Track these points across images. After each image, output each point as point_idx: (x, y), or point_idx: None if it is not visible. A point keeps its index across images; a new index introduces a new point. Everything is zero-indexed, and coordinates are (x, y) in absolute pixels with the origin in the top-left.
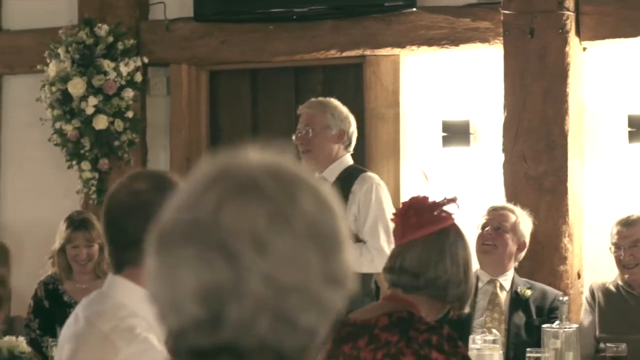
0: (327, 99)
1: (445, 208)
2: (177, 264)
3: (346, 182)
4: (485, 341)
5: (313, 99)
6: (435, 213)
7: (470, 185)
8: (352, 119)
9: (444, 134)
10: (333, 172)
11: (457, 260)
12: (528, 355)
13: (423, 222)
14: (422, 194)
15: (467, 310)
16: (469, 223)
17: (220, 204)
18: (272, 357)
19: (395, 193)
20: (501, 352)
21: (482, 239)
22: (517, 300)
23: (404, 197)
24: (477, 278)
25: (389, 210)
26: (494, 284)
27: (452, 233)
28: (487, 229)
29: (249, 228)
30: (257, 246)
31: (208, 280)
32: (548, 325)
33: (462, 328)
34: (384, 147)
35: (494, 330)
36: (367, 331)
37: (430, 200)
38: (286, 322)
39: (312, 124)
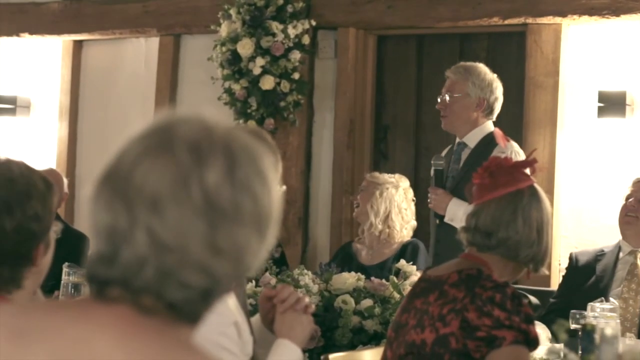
0: (474, 64)
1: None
2: (97, 203)
3: (486, 148)
4: (602, 310)
5: (459, 64)
6: (511, 175)
7: (623, 157)
8: (495, 86)
9: (600, 104)
10: (474, 137)
11: (530, 221)
12: None
13: (498, 183)
14: (504, 155)
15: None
16: (620, 195)
17: (138, 159)
18: (157, 301)
19: (550, 161)
20: (618, 321)
21: (625, 210)
22: None
23: (560, 165)
24: (619, 248)
25: None
26: (634, 255)
27: (526, 194)
28: (630, 200)
29: (151, 188)
30: (153, 206)
31: (111, 221)
32: None
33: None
34: (542, 115)
35: (611, 299)
36: (438, 287)
37: (508, 162)
38: (168, 276)
39: (452, 90)
